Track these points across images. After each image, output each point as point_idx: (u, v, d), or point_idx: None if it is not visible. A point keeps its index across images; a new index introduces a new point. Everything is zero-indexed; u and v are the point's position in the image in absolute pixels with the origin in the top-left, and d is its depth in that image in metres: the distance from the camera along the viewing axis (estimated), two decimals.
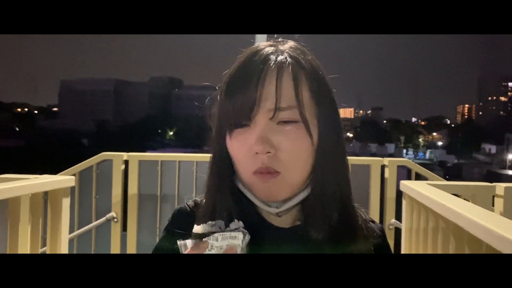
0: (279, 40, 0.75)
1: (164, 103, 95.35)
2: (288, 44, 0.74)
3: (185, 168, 3.13)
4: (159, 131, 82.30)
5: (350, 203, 0.76)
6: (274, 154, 0.67)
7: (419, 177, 3.04)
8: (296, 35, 0.77)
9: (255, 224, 0.72)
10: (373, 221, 0.82)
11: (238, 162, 0.71)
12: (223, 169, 0.74)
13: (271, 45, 0.73)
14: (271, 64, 0.68)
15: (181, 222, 0.78)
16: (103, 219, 3.06)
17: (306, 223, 0.72)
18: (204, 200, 0.77)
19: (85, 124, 79.54)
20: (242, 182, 0.74)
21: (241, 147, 0.69)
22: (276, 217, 0.75)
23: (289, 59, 0.70)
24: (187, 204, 0.81)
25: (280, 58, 0.70)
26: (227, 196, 0.73)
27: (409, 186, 1.81)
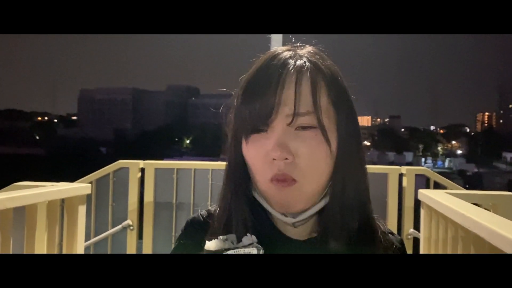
0: (298, 44, 0.74)
1: (181, 112, 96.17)
2: (307, 49, 0.72)
3: (200, 176, 3.13)
4: (176, 139, 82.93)
5: (369, 214, 0.73)
6: (291, 161, 0.65)
7: (438, 186, 2.99)
8: (314, 40, 0.75)
9: (270, 236, 0.70)
10: (392, 233, 0.79)
11: (254, 169, 0.69)
12: (239, 176, 0.72)
13: (289, 50, 0.71)
14: (290, 69, 0.67)
15: (194, 233, 0.76)
16: (119, 226, 3.07)
17: (324, 234, 0.70)
18: (218, 210, 0.75)
19: (103, 132, 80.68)
20: (257, 191, 0.72)
21: (258, 153, 0.67)
22: (292, 228, 0.72)
23: (308, 64, 0.68)
24: (201, 214, 0.79)
25: (299, 62, 0.68)
26: (243, 205, 0.71)
27: (427, 195, 1.77)
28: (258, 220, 0.72)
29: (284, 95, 0.65)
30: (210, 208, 0.80)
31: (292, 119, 0.65)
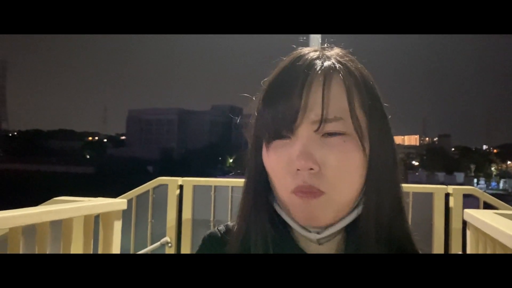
0: (325, 45, 0.69)
1: (225, 131, 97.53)
2: (335, 50, 0.67)
3: (238, 194, 3.10)
4: (220, 158, 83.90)
5: (408, 232, 0.66)
6: (317, 171, 0.59)
7: (489, 207, 2.81)
8: (342, 42, 0.70)
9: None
10: None
11: (276, 179, 0.63)
12: (259, 187, 0.67)
13: (315, 50, 0.66)
14: (317, 69, 0.62)
15: (212, 249, 0.73)
16: (158, 244, 3.09)
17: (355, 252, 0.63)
18: (236, 223, 0.70)
19: (150, 151, 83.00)
20: (279, 202, 0.66)
21: (280, 161, 0.62)
22: (315, 246, 0.66)
23: (337, 65, 0.63)
24: (218, 229, 0.75)
25: (327, 63, 0.63)
26: (263, 218, 0.66)
27: (473, 215, 1.66)
28: (279, 236, 0.66)
29: (311, 99, 0.60)
30: (228, 223, 0.76)
31: (320, 125, 0.60)
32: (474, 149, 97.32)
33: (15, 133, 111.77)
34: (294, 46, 0.69)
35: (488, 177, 78.53)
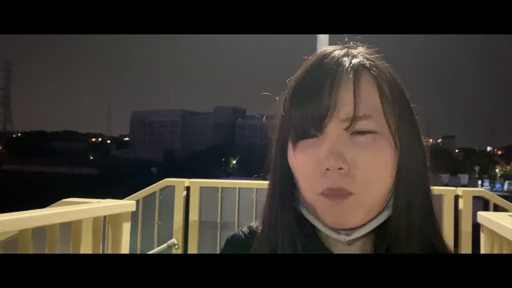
0: (350, 44, 0.67)
1: (228, 132, 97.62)
2: (361, 49, 0.66)
3: (245, 195, 3.10)
4: (223, 159, 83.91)
5: (437, 233, 0.64)
6: (347, 171, 0.58)
7: (498, 209, 2.78)
8: (366, 43, 0.69)
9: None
10: None
11: (304, 180, 0.62)
12: (286, 188, 0.66)
13: (341, 49, 0.65)
14: (346, 67, 0.60)
15: (235, 251, 0.71)
16: (165, 245, 3.08)
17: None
18: (262, 226, 0.68)
19: (154, 153, 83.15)
20: (305, 204, 0.64)
21: (307, 161, 0.60)
22: (344, 247, 0.64)
23: (366, 62, 0.62)
24: (242, 231, 0.73)
25: (355, 61, 0.61)
26: (290, 220, 0.65)
27: (488, 218, 1.63)
28: (306, 237, 0.64)
29: (341, 96, 0.59)
30: (251, 224, 0.74)
31: (351, 124, 0.58)
32: (478, 151, 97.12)
33: (19, 134, 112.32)
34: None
35: (493, 178, 78.24)
